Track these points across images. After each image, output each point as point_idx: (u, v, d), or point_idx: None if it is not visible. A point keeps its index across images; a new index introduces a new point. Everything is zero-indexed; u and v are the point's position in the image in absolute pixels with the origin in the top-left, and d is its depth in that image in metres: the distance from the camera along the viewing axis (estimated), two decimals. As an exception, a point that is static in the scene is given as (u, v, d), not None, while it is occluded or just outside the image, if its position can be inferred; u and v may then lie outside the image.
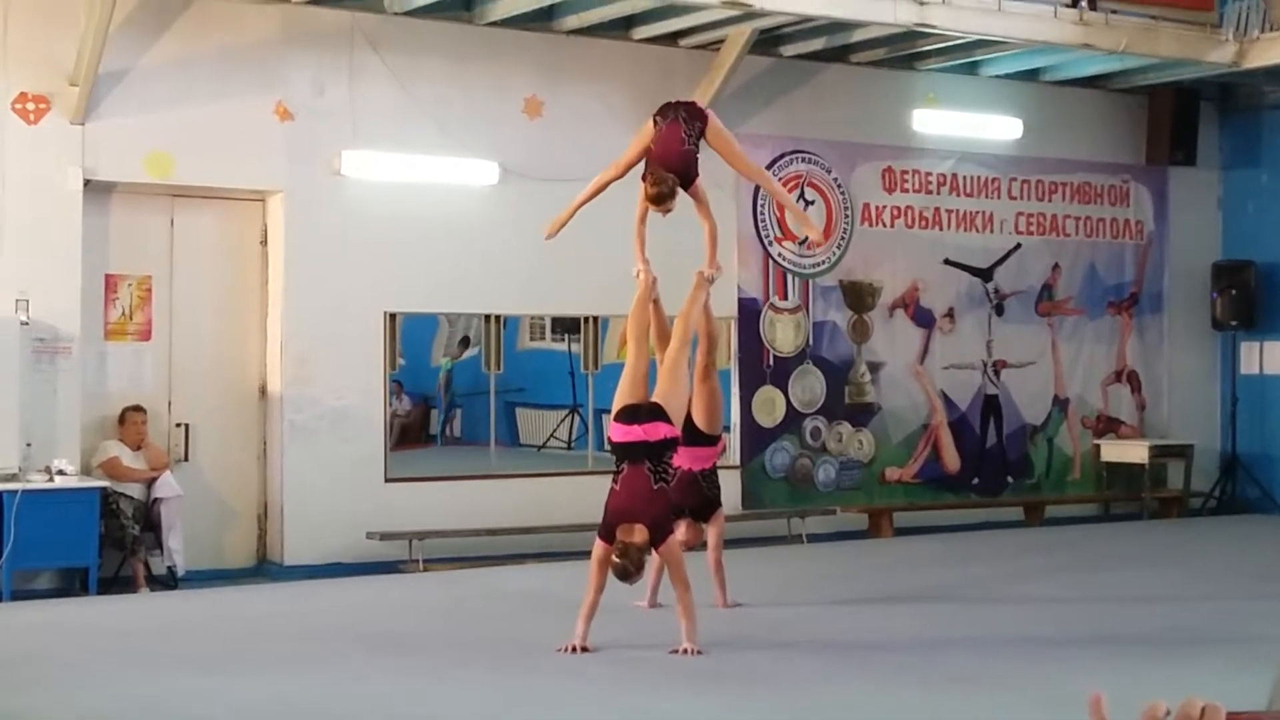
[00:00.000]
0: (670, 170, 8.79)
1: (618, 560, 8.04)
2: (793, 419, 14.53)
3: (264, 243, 12.61)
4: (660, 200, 8.78)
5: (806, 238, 14.51)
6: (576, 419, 13.98)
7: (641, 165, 9.03)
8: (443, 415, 13.69)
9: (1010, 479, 15.80)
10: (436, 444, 13.62)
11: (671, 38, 13.67)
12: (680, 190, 8.89)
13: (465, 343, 13.44)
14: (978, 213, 15.63)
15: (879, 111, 14.91)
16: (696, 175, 9.00)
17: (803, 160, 14.59)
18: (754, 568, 11.29)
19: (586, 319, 13.67)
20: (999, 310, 15.76)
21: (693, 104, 9.04)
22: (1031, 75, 15.60)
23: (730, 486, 12.69)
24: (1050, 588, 10.84)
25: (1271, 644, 8.22)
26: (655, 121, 9.00)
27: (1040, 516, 15.57)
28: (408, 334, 13.03)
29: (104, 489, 11.35)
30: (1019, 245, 15.87)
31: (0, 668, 8.09)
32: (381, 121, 12.68)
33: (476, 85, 13.09)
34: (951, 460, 15.42)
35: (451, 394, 13.70)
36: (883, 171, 15.10)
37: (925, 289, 15.31)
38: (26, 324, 11.32)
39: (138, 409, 11.91)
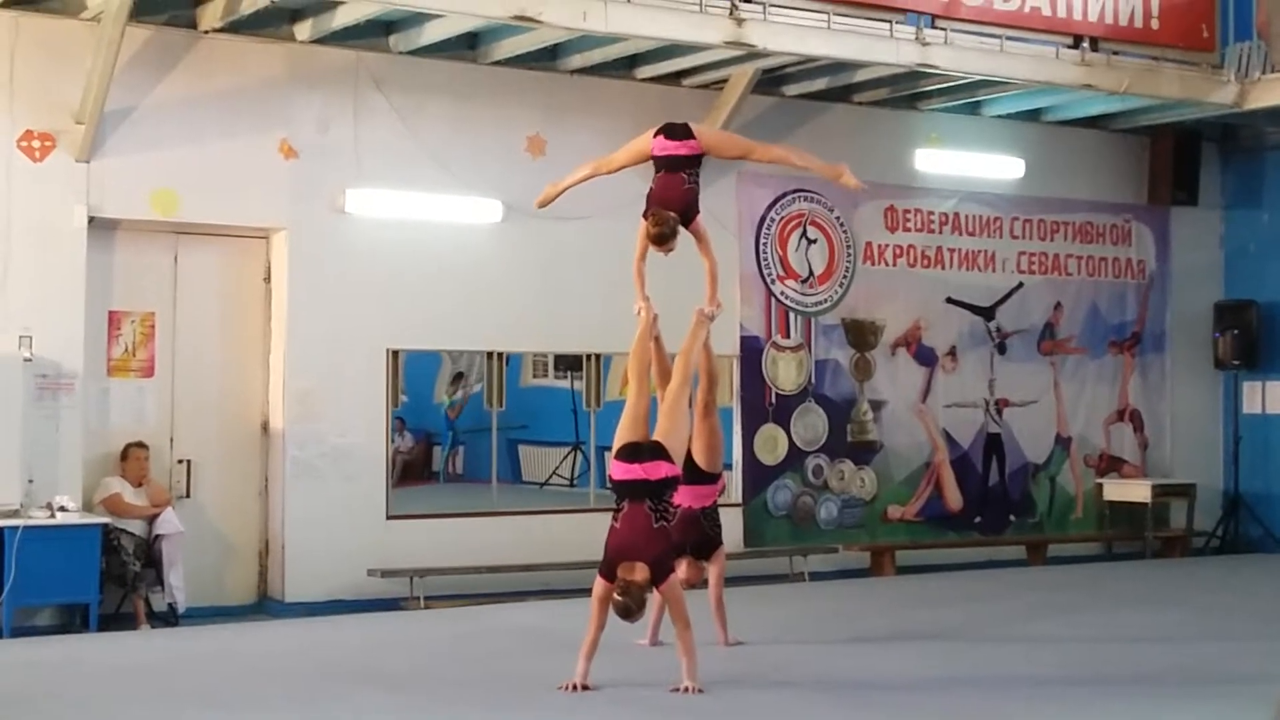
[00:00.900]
0: (671, 209, 8.80)
1: (619, 598, 8.02)
2: (795, 457, 14.53)
3: (268, 280, 12.64)
4: (662, 240, 8.78)
5: (811, 274, 14.61)
6: (579, 456, 13.97)
7: (631, 173, 9.09)
8: (445, 452, 13.67)
9: (1013, 518, 15.79)
10: (439, 481, 13.60)
11: (674, 77, 13.74)
12: (681, 228, 8.89)
13: (460, 378, 13.44)
14: (980, 252, 15.67)
15: (881, 151, 14.95)
16: (698, 213, 9.01)
17: (805, 199, 14.64)
18: (755, 606, 11.26)
19: (588, 356, 13.68)
20: (1001, 349, 15.78)
21: (684, 153, 8.94)
22: (1034, 115, 15.66)
23: (732, 524, 12.68)
24: (1053, 627, 10.80)
25: (1275, 684, 8.19)
26: (655, 162, 9.00)
27: (1043, 556, 15.55)
28: (410, 371, 13.04)
29: (105, 525, 11.34)
30: (1021, 284, 15.91)
31: None
32: (385, 160, 12.73)
33: (480, 124, 13.14)
34: (954, 499, 15.41)
35: (454, 429, 13.68)
36: (885, 210, 15.14)
37: (927, 328, 15.34)
38: (30, 360, 11.34)
39: (140, 445, 11.92)
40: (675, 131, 9.04)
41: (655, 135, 9.06)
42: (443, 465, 13.72)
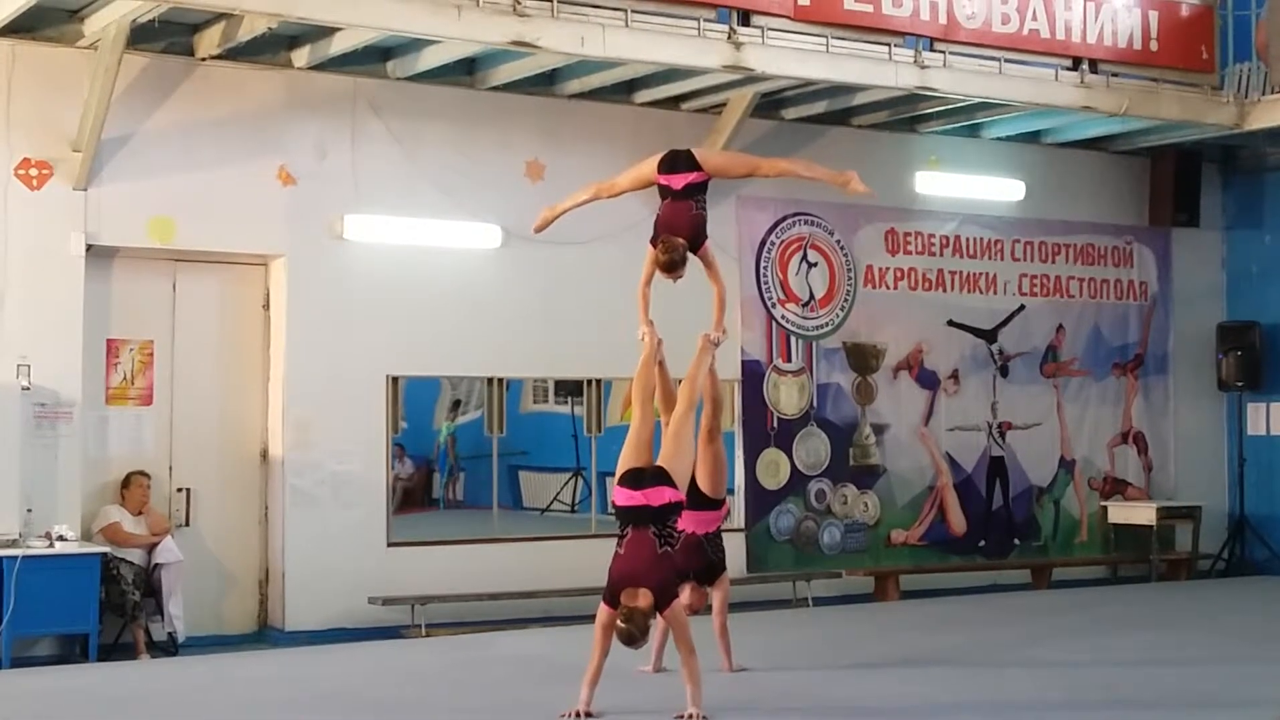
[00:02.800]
0: (679, 235, 8.76)
1: (622, 625, 7.97)
2: (797, 481, 14.48)
3: (266, 307, 12.61)
4: (672, 268, 8.75)
5: (812, 297, 14.57)
6: (580, 482, 13.92)
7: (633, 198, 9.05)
8: (444, 478, 13.63)
9: (1017, 541, 15.73)
10: (439, 507, 13.56)
11: (673, 101, 13.73)
12: (690, 254, 8.85)
13: (457, 406, 13.41)
14: (981, 274, 15.64)
15: (881, 174, 14.85)
16: (705, 238, 8.97)
17: (805, 223, 14.61)
18: (759, 631, 11.20)
19: (589, 382, 13.64)
20: (1004, 372, 15.74)
21: (690, 181, 8.90)
22: (1033, 137, 15.66)
23: (735, 549, 12.62)
24: (1058, 651, 10.74)
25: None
26: (660, 191, 8.96)
27: (1047, 579, 15.49)
28: (410, 397, 13.00)
29: (104, 554, 11.29)
30: (1023, 307, 15.88)
31: (-3, 736, 8.02)
32: (384, 185, 12.71)
33: (478, 149, 13.13)
34: (957, 522, 15.35)
35: (456, 455, 13.64)
36: (886, 233, 15.12)
37: (929, 351, 15.30)
38: (28, 389, 11.31)
39: (143, 473, 11.88)
40: (679, 163, 8.98)
41: (659, 167, 9.01)
42: (443, 492, 13.68)
